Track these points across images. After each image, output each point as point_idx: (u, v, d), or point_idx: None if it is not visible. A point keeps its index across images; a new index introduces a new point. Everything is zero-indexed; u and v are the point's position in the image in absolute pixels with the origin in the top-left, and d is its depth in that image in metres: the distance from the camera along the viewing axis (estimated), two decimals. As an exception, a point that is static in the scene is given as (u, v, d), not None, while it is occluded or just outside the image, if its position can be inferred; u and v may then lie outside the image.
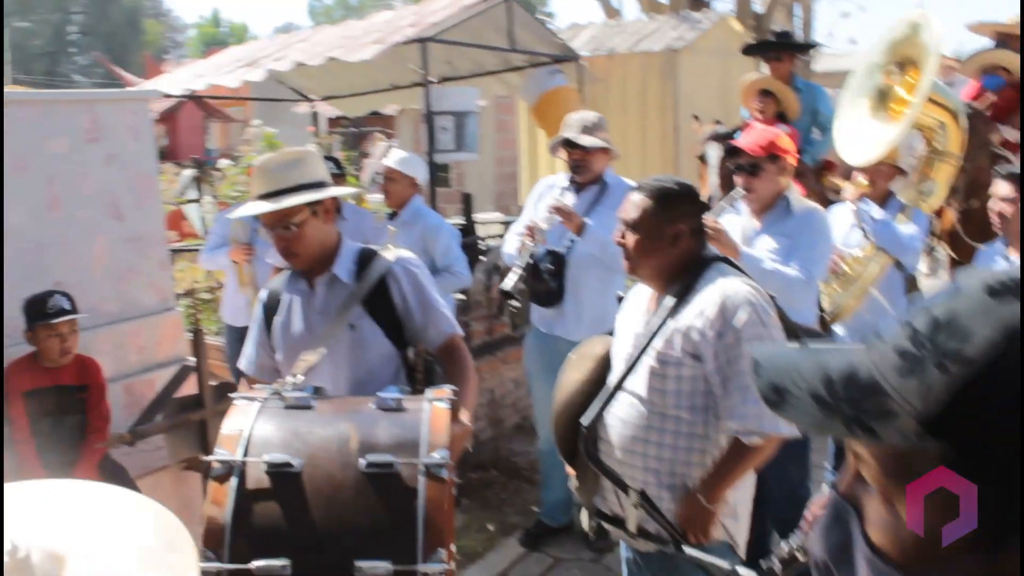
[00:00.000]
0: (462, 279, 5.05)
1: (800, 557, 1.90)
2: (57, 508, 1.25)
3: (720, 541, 2.56)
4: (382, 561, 2.06)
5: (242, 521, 2.10)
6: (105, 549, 1.20)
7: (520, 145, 10.58)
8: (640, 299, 2.80)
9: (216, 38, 50.47)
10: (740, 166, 3.88)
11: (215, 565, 2.03)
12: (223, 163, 9.62)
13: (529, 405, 6.18)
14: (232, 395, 2.49)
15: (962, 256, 5.50)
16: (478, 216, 8.64)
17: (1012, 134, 6.59)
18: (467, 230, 6.50)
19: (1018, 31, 6.87)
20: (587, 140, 4.24)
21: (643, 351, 2.54)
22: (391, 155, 5.24)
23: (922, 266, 6.71)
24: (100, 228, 4.56)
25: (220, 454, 2.21)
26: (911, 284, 4.50)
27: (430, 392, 2.48)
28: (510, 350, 6.40)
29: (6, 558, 1.02)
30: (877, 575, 0.73)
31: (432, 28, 6.17)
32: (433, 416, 2.34)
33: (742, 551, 2.63)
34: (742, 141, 3.93)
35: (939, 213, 5.52)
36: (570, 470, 2.77)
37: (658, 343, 2.53)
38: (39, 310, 3.72)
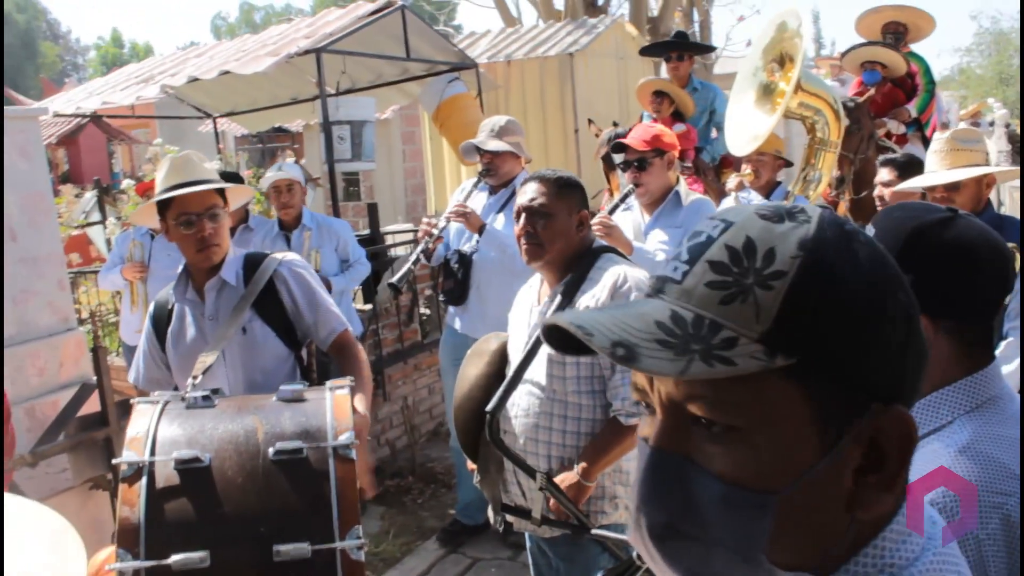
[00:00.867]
0: (367, 267, 5.30)
1: None
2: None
3: (626, 522, 2.62)
4: (301, 543, 2.09)
5: (155, 518, 2.10)
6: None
7: (426, 155, 10.67)
8: (530, 293, 2.89)
9: (119, 59, 49.25)
10: (628, 162, 4.03)
11: (132, 564, 2.03)
12: (126, 183, 9.46)
13: (443, 412, 6.25)
14: (133, 400, 2.49)
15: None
16: (389, 227, 8.70)
17: (894, 126, 6.95)
18: (372, 240, 6.56)
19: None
20: (493, 144, 4.33)
21: (539, 340, 2.57)
22: (284, 167, 5.39)
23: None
24: (-8, 250, 4.48)
25: (127, 456, 2.21)
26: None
27: (330, 383, 2.54)
28: (422, 357, 6.47)
29: None
30: (742, 507, 0.73)
31: (326, 39, 6.22)
32: (335, 402, 2.40)
33: None
34: (628, 138, 4.08)
35: (834, 205, 5.76)
36: (471, 464, 2.82)
37: None
38: None
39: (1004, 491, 1.22)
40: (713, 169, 6.54)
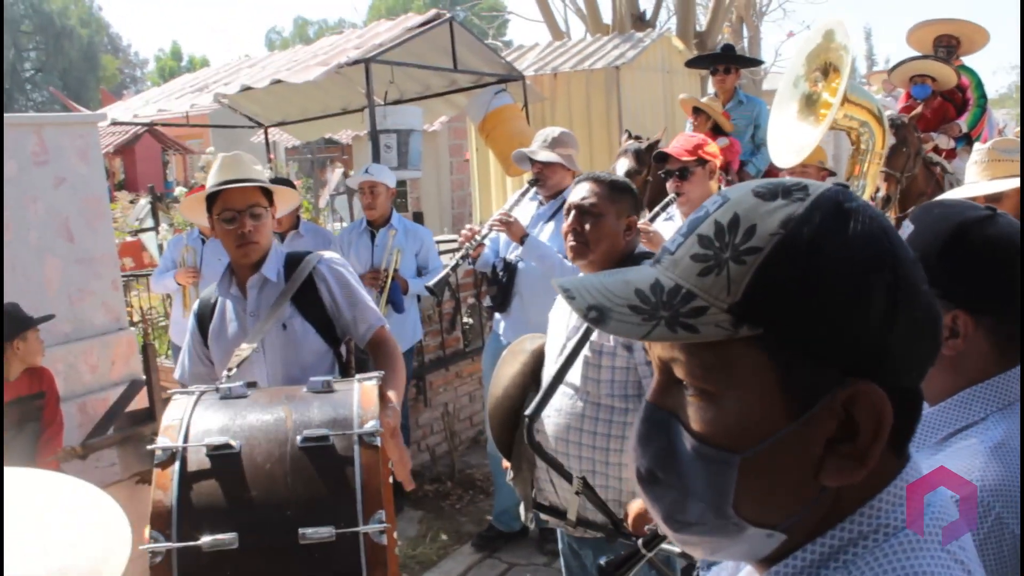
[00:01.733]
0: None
1: None
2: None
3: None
4: (325, 527, 2.15)
5: (187, 502, 2.18)
6: (39, 523, 1.25)
7: (472, 167, 10.77)
8: None
9: (176, 72, 50.26)
10: (670, 171, 4.04)
11: (165, 545, 2.11)
12: (179, 191, 9.70)
13: (484, 419, 6.29)
14: (169, 391, 2.59)
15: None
16: (435, 237, 8.79)
17: (943, 141, 6.87)
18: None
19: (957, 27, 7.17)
20: (543, 155, 4.34)
21: (579, 342, 2.61)
22: (371, 169, 5.39)
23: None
24: (51, 250, 4.64)
25: (161, 442, 2.29)
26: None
27: (359, 375, 2.60)
28: (463, 364, 6.51)
29: None
30: (709, 462, 0.79)
31: (375, 49, 6.33)
32: (363, 392, 2.46)
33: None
34: (670, 147, 4.10)
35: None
36: (506, 463, 2.84)
37: (593, 334, 2.60)
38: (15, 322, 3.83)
39: None
40: (759, 181, 6.51)
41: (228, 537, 2.13)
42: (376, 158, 6.31)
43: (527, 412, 2.61)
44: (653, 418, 0.84)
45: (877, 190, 5.40)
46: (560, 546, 2.99)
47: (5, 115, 4.23)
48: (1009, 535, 1.24)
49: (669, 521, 0.84)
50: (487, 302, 4.69)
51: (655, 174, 5.02)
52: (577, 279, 0.83)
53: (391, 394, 2.67)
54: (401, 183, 11.41)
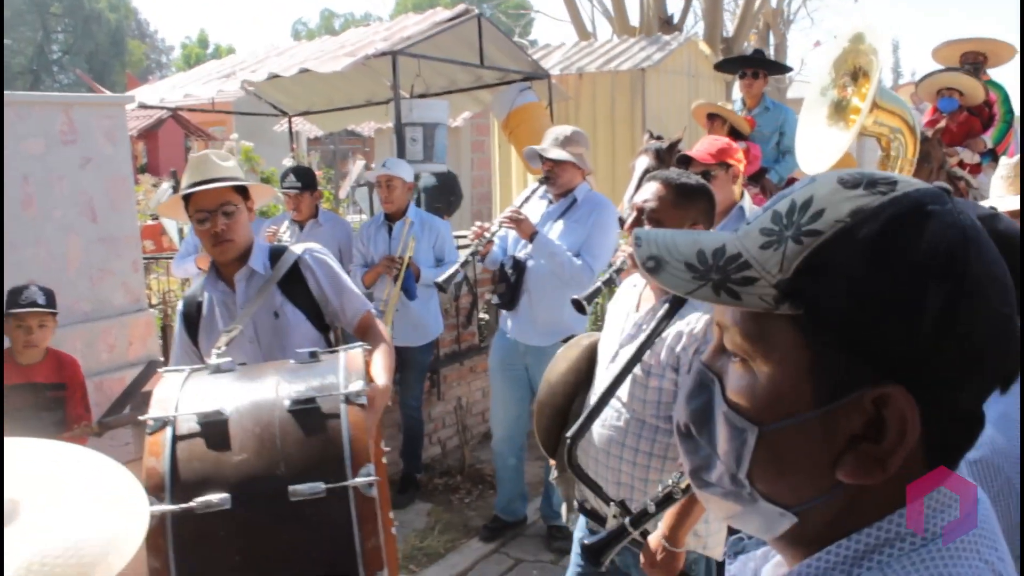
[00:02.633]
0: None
1: (676, 496, 2.02)
2: (10, 460, 1.35)
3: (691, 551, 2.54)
4: (315, 483, 2.22)
5: (179, 466, 2.25)
6: (57, 495, 1.29)
7: (494, 164, 10.78)
8: (631, 294, 2.78)
9: (202, 59, 50.47)
10: (694, 174, 4.03)
11: (159, 508, 2.16)
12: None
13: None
14: (160, 370, 2.65)
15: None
16: (454, 232, 8.80)
17: (968, 155, 6.82)
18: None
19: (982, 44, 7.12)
20: (555, 153, 4.34)
21: (632, 359, 2.54)
22: (387, 163, 5.44)
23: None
24: (74, 228, 4.66)
25: (153, 413, 2.35)
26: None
27: (343, 346, 2.69)
28: (478, 359, 6.52)
29: None
30: (732, 428, 0.81)
31: (402, 42, 6.35)
32: (348, 359, 2.54)
33: (718, 552, 2.61)
34: (694, 151, 4.09)
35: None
36: (552, 461, 2.82)
37: (645, 353, 2.54)
38: (12, 300, 3.80)
39: None
40: (780, 190, 6.49)
41: (220, 498, 2.19)
42: (401, 151, 6.33)
43: (568, 434, 2.59)
44: (701, 377, 0.87)
45: None
46: (577, 533, 2.95)
47: (35, 94, 4.26)
48: (1016, 495, 1.39)
49: (693, 476, 0.88)
50: (494, 299, 4.69)
51: None
52: (655, 232, 0.86)
53: (379, 372, 2.76)
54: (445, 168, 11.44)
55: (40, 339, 3.87)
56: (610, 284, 4.13)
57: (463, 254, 4.25)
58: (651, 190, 2.64)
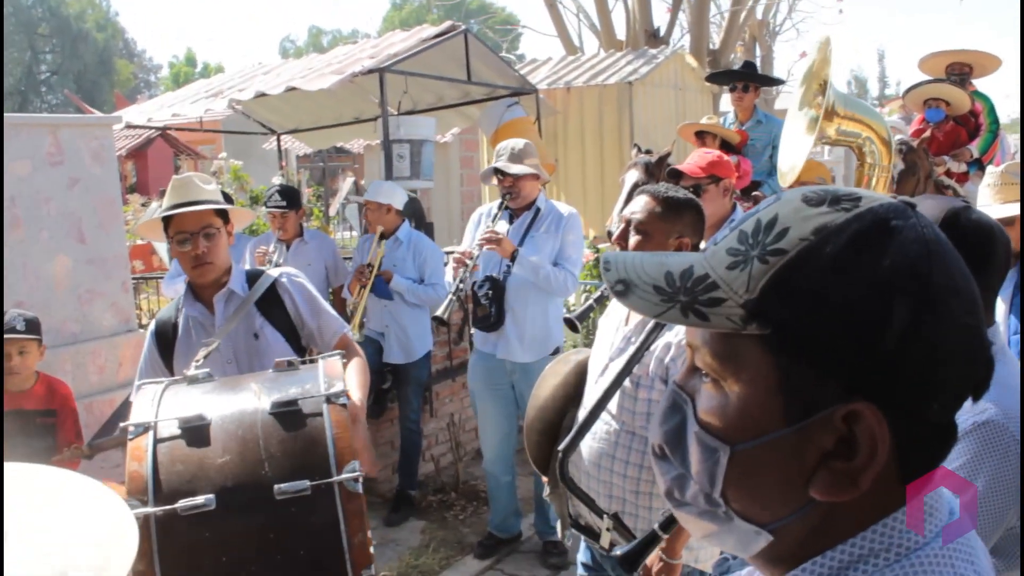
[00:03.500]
0: (437, 294, 5.30)
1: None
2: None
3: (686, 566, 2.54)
4: (300, 481, 2.22)
5: (161, 470, 2.23)
6: (45, 522, 1.25)
7: (483, 177, 10.78)
8: (622, 306, 2.77)
9: (190, 77, 50.50)
10: (684, 188, 4.04)
11: (142, 510, 2.13)
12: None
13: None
14: (138, 382, 2.66)
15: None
16: (444, 248, 8.81)
17: (955, 165, 6.86)
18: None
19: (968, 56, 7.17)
20: (516, 168, 4.36)
21: (622, 372, 2.55)
22: (369, 187, 5.52)
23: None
24: (62, 249, 4.66)
25: (134, 419, 2.34)
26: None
27: (320, 355, 2.70)
28: (470, 375, 6.51)
29: None
30: (704, 448, 0.81)
31: (389, 59, 6.36)
32: (327, 365, 2.55)
33: (709, 565, 2.59)
34: (684, 164, 4.09)
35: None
36: (544, 478, 2.81)
37: (635, 366, 2.54)
38: None
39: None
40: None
41: (204, 499, 2.17)
42: (388, 167, 6.33)
43: (560, 447, 2.59)
44: (674, 398, 0.87)
45: None
46: (580, 556, 2.95)
47: (22, 115, 4.26)
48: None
49: (668, 496, 0.88)
50: (473, 333, 4.70)
51: None
52: (623, 254, 0.86)
53: (354, 389, 2.77)
54: (411, 192, 11.48)
55: (22, 366, 3.80)
56: (602, 301, 4.15)
57: (452, 283, 4.25)
58: (639, 203, 2.67)
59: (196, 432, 2.30)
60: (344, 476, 2.26)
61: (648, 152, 5.82)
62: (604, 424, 2.61)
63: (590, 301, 4.15)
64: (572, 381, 2.79)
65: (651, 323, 2.53)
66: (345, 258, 6.16)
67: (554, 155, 8.71)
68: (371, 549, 2.30)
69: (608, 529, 2.50)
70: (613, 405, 2.59)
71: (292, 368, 2.57)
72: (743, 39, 15.16)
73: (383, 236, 5.39)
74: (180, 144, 20.76)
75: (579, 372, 2.80)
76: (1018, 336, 3.26)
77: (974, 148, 6.90)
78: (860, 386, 0.74)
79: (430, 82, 7.34)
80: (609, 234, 4.35)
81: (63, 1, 54.85)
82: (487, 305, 4.41)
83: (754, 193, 6.38)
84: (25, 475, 1.36)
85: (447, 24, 7.22)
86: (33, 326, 3.81)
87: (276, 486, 2.20)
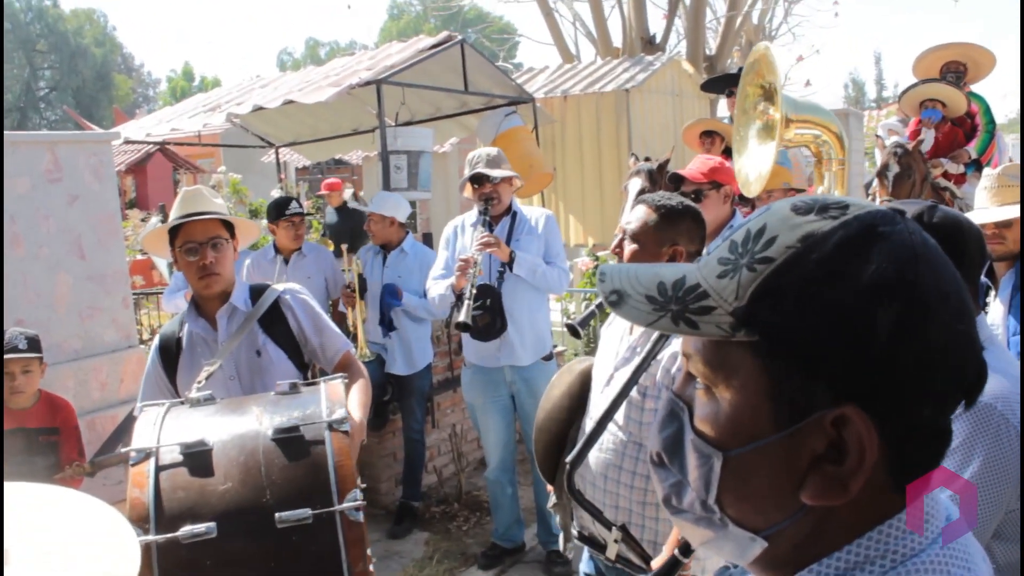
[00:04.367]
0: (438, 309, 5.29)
1: None
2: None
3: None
4: (302, 510, 2.21)
5: (163, 497, 2.23)
6: (47, 542, 1.23)
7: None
8: None
9: (188, 92, 50.58)
10: (684, 194, 4.04)
11: (144, 538, 2.14)
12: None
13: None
14: (139, 404, 2.65)
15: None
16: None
17: (953, 167, 6.87)
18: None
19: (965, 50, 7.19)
20: (499, 172, 4.42)
21: (628, 383, 2.55)
22: (373, 199, 5.54)
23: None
24: (62, 266, 4.66)
25: (135, 444, 2.34)
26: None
27: (322, 378, 2.70)
28: (472, 385, 6.49)
29: None
30: (699, 455, 0.82)
31: (387, 71, 6.38)
32: (329, 389, 2.55)
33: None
34: (686, 170, 4.10)
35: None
36: (550, 488, 2.80)
37: (642, 376, 2.53)
38: None
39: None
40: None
41: (205, 527, 2.17)
42: (386, 179, 6.34)
43: (567, 459, 2.59)
44: (672, 406, 0.88)
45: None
46: (583, 567, 2.94)
47: (20, 133, 4.27)
48: (1015, 431, 1.66)
49: (666, 503, 0.89)
50: (466, 359, 4.70)
51: None
52: (619, 266, 0.88)
53: (355, 408, 2.76)
54: (410, 203, 11.50)
55: (25, 384, 3.78)
56: (603, 308, 4.17)
57: (466, 288, 4.24)
58: (636, 213, 2.69)
59: (198, 458, 2.30)
60: (346, 505, 2.25)
61: (647, 160, 5.83)
62: (611, 435, 2.60)
63: (591, 307, 4.15)
64: (577, 391, 2.78)
65: (657, 332, 2.50)
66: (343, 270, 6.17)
67: (552, 163, 8.74)
68: None
69: (616, 541, 2.50)
70: (620, 416, 2.58)
71: (294, 391, 2.55)
72: (739, 44, 15.19)
73: (389, 248, 5.40)
74: (179, 158, 20.80)
75: (584, 381, 2.80)
76: (1017, 337, 3.26)
77: (971, 149, 6.91)
78: (849, 391, 0.75)
79: (427, 92, 7.36)
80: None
81: (61, 17, 55.03)
82: (487, 314, 4.40)
83: (754, 199, 6.40)
84: (28, 495, 1.36)
85: (444, 34, 7.24)
86: (34, 344, 3.81)
87: (277, 514, 2.20)
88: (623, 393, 2.54)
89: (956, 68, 7.15)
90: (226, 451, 2.32)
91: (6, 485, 1.39)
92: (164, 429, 2.38)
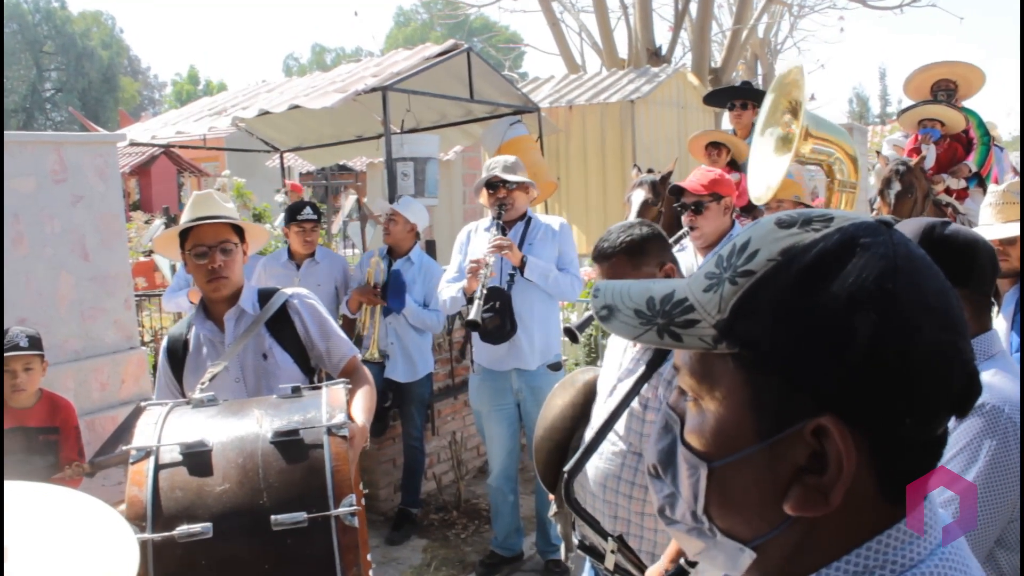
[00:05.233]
0: (440, 320, 5.39)
1: None
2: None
3: None
4: (297, 513, 2.23)
5: (161, 496, 2.25)
6: (45, 542, 1.22)
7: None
8: None
9: (193, 95, 50.69)
10: (685, 205, 4.06)
11: (141, 536, 2.16)
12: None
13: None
14: (142, 403, 2.66)
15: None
16: (445, 266, 8.82)
17: (954, 182, 6.90)
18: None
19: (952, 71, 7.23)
20: (514, 177, 4.45)
21: (629, 394, 2.56)
22: (400, 200, 5.57)
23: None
24: (65, 266, 4.67)
25: (136, 443, 2.36)
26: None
27: (325, 383, 2.72)
28: (472, 393, 6.49)
29: None
30: (689, 466, 0.84)
31: (392, 78, 6.39)
32: (330, 394, 2.57)
33: None
34: (686, 181, 4.12)
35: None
36: (551, 496, 2.81)
37: (643, 387, 2.55)
38: None
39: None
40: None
41: (201, 527, 2.19)
42: (392, 186, 6.34)
43: (566, 468, 2.59)
44: (667, 418, 0.90)
45: None
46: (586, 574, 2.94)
47: (26, 133, 4.28)
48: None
49: (661, 514, 0.91)
50: (474, 364, 4.71)
51: (669, 207, 5.05)
52: (612, 283, 0.90)
53: (359, 412, 2.78)
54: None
55: (27, 382, 3.79)
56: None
57: (478, 289, 4.25)
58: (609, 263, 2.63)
59: (197, 458, 2.31)
60: (341, 510, 2.27)
61: (650, 171, 5.84)
62: (611, 445, 2.61)
63: (589, 312, 4.16)
64: (580, 401, 2.79)
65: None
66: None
67: (556, 173, 8.75)
68: None
69: (613, 551, 2.50)
70: (621, 426, 2.59)
71: (296, 395, 2.57)
72: (745, 57, 15.23)
73: (396, 254, 5.42)
74: (183, 162, 20.83)
75: (587, 391, 2.81)
76: (1019, 354, 3.27)
77: (971, 163, 6.95)
78: (828, 401, 0.75)
79: (433, 100, 7.37)
80: None
81: (68, 19, 55.21)
82: (497, 316, 4.41)
83: (755, 211, 6.41)
84: (27, 495, 1.36)
85: (450, 43, 7.26)
86: (36, 342, 3.82)
87: (273, 517, 2.22)
88: (624, 404, 2.55)
89: (947, 86, 7.21)
90: (225, 452, 2.33)
91: (5, 484, 1.41)
92: (165, 428, 2.39)
